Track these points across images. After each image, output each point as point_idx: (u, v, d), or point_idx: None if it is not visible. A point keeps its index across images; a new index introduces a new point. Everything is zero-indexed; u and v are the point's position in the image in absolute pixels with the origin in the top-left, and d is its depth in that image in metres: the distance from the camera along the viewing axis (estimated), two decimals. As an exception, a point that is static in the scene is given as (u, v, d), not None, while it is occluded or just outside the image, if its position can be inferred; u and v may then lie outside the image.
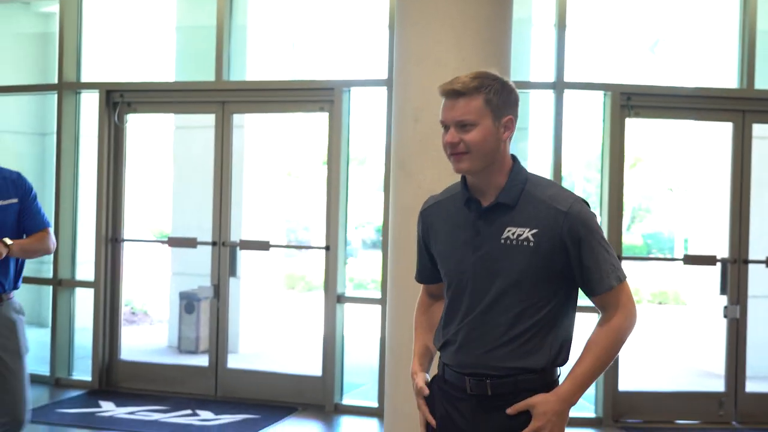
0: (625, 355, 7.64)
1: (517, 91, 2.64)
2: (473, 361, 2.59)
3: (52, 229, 4.44)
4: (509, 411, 2.54)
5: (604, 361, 2.54)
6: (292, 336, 9.77)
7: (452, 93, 2.54)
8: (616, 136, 6.89)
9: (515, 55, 8.15)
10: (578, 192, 5.78)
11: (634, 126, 12.94)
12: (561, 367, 2.65)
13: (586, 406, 7.21)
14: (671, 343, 11.29)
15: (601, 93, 7.03)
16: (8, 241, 4.08)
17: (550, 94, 6.97)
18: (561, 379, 2.64)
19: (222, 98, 7.47)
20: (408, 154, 4.20)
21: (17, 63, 8.97)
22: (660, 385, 8.37)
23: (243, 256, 8.44)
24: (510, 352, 2.55)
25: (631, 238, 21.02)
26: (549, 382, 2.58)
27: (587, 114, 7.51)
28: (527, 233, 2.50)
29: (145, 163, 11.81)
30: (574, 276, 2.55)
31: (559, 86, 6.89)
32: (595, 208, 7.15)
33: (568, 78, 6.92)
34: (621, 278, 2.54)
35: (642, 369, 9.02)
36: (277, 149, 9.83)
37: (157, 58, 9.73)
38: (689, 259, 7.07)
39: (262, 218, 9.35)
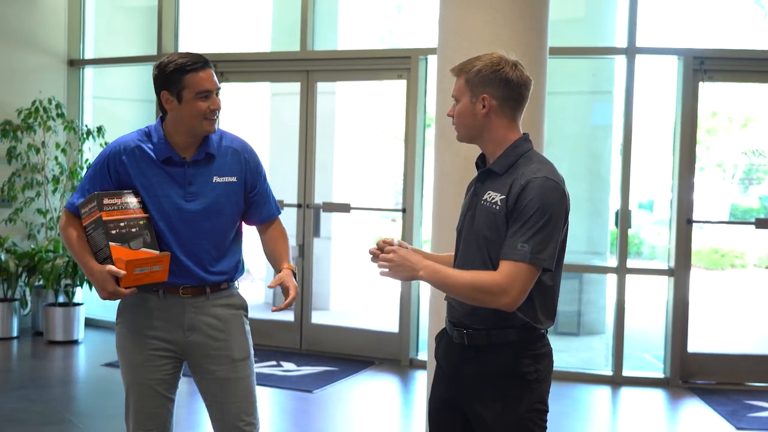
0: (699, 317, 7.72)
1: (513, 69, 2.80)
2: (454, 311, 2.88)
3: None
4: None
5: (458, 284, 2.67)
6: (375, 294, 10.16)
7: (452, 75, 2.89)
8: (689, 101, 6.92)
9: (594, 21, 8.25)
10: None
11: (740, 87, 12.62)
12: (543, 325, 2.79)
13: (654, 366, 7.35)
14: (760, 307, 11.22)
15: (674, 58, 7.06)
16: (288, 268, 3.27)
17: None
18: (546, 337, 2.83)
19: (306, 67, 7.86)
20: (448, 123, 4.44)
21: (129, 35, 9.54)
22: (732, 347, 8.40)
23: (333, 218, 8.91)
24: (478, 306, 2.75)
25: (748, 201, 20.44)
26: (523, 338, 2.75)
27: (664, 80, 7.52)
28: (498, 198, 2.74)
29: (247, 128, 12.37)
30: None
31: (631, 51, 6.96)
32: (666, 174, 7.20)
33: (640, 43, 6.98)
34: (524, 259, 2.62)
35: (727, 332, 9.06)
36: (370, 115, 10.17)
37: (252, 28, 10.18)
38: (761, 223, 7.04)
39: (360, 181, 9.75)
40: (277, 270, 3.32)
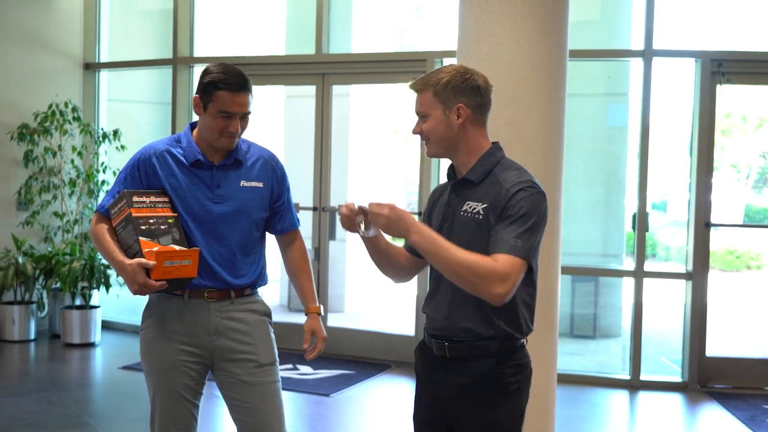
0: (716, 320, 7.69)
1: (477, 79, 2.74)
2: (434, 323, 2.84)
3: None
4: None
5: (454, 259, 2.57)
6: (390, 297, 10.15)
7: (413, 90, 2.83)
8: (706, 104, 6.89)
9: (610, 23, 8.23)
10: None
11: (755, 88, 12.57)
12: (523, 336, 2.77)
13: (672, 370, 7.32)
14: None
15: (691, 60, 7.03)
16: (315, 311, 3.42)
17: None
18: (526, 348, 2.80)
19: (321, 70, 7.87)
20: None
21: (144, 38, 9.56)
22: (750, 351, 8.36)
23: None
24: (461, 315, 2.74)
25: (762, 201, 20.36)
26: (505, 349, 2.73)
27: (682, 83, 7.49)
28: (479, 207, 2.70)
29: (262, 131, 12.37)
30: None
31: (647, 54, 6.93)
32: (684, 176, 7.18)
33: (657, 45, 6.95)
34: (520, 254, 2.59)
35: (745, 336, 9.01)
36: (384, 116, 10.19)
37: (267, 32, 10.20)
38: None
39: (375, 183, 9.77)
40: (305, 307, 3.44)
